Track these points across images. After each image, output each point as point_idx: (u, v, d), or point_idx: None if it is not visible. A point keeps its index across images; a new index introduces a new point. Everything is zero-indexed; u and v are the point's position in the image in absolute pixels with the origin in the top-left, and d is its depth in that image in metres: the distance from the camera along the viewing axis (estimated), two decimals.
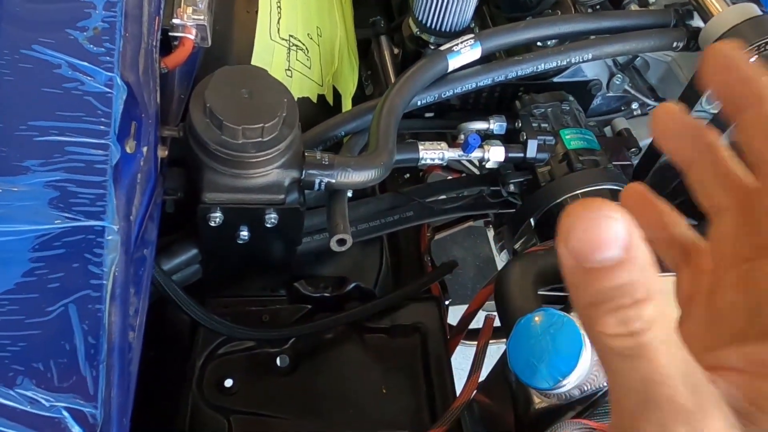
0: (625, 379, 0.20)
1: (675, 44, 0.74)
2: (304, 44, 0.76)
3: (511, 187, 0.78)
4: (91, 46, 0.47)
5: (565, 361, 0.49)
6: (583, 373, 0.50)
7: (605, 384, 0.51)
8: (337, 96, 0.81)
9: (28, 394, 0.38)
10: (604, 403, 0.53)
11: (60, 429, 0.37)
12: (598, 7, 0.84)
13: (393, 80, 0.88)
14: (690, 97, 0.74)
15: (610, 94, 0.90)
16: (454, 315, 0.83)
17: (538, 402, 0.54)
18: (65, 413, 0.38)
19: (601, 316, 0.19)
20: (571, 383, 0.50)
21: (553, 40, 0.81)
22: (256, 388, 0.70)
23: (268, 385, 0.70)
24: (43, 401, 0.38)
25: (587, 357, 0.49)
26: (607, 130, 0.90)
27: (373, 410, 0.71)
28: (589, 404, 0.53)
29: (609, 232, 0.18)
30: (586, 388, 0.51)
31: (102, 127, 0.45)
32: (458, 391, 0.68)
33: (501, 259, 0.87)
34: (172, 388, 0.68)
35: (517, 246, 0.81)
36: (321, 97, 0.76)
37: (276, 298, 0.75)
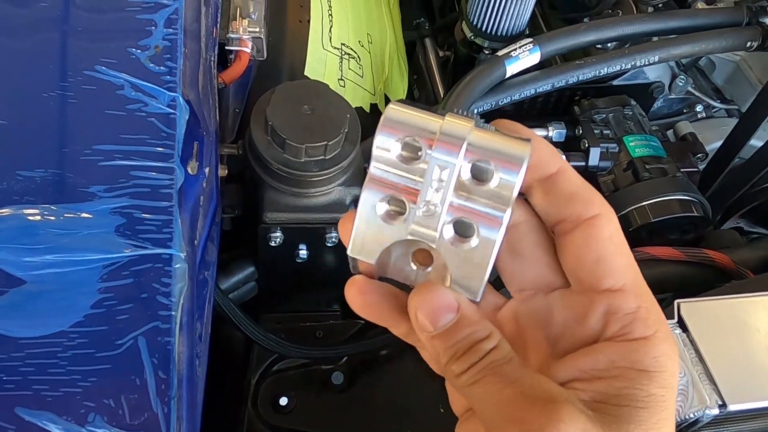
0: (484, 403, 0.25)
1: (749, 44, 0.70)
2: (356, 52, 0.74)
3: None
4: (153, 65, 0.46)
5: None
6: None
7: (692, 415, 0.48)
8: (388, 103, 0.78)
9: (100, 431, 0.37)
10: None
11: None
12: (661, 6, 0.80)
13: (439, 84, 0.85)
14: (767, 100, 0.69)
15: (673, 96, 0.86)
16: None
17: None
18: None
19: (451, 364, 0.25)
20: None
21: (613, 42, 0.77)
22: (311, 406, 0.68)
23: (323, 402, 0.69)
24: None
25: None
26: (669, 134, 0.86)
27: (432, 429, 0.68)
28: None
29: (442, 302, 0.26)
30: None
31: (166, 149, 0.44)
32: None
33: None
34: (228, 406, 0.67)
35: None
36: (373, 106, 0.74)
37: (329, 312, 0.73)
